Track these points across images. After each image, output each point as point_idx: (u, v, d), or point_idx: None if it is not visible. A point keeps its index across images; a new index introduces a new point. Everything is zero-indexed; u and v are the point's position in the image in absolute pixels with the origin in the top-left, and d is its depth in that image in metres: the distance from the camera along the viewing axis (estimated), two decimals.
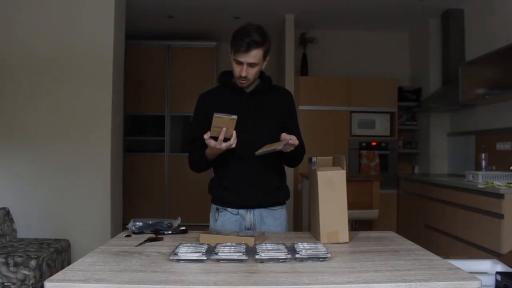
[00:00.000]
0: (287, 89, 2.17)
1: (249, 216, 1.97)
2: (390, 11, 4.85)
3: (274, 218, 2.01)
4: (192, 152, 2.01)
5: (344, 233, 1.64)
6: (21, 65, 3.65)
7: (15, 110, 3.64)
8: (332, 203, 1.64)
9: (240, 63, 1.84)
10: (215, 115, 1.68)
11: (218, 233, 1.72)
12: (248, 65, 1.84)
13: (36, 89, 3.65)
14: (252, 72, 1.87)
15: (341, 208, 1.64)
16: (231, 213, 1.99)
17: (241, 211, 1.98)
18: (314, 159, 1.79)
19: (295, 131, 2.00)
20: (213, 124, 1.71)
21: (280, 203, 2.05)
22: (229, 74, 2.02)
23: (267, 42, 1.86)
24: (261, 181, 1.96)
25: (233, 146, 1.76)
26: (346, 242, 1.64)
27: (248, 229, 1.97)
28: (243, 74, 1.85)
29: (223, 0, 4.58)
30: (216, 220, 2.02)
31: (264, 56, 1.88)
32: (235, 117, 1.69)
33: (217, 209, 2.03)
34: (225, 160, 1.92)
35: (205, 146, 1.97)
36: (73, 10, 3.70)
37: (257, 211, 1.98)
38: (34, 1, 3.67)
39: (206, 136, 1.74)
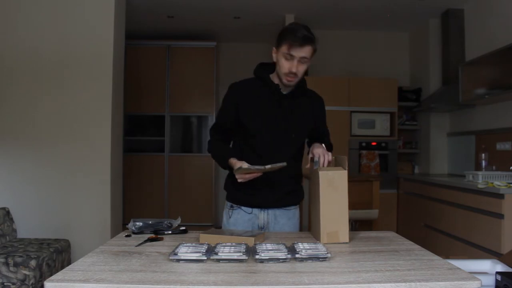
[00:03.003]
0: (319, 95, 2.09)
1: (263, 215, 1.96)
2: (390, 11, 4.85)
3: (288, 218, 2.00)
4: (215, 140, 2.00)
5: (344, 233, 1.64)
6: (21, 66, 3.65)
7: (15, 110, 3.64)
8: (333, 203, 1.64)
9: (292, 58, 1.78)
10: (244, 167, 1.72)
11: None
12: (300, 60, 1.79)
13: (36, 90, 3.65)
14: (301, 69, 1.82)
15: (342, 208, 1.64)
16: (244, 211, 1.98)
17: (255, 210, 1.97)
18: (316, 159, 1.78)
19: (325, 133, 2.06)
20: (240, 171, 1.76)
21: (294, 202, 2.04)
22: (267, 69, 1.95)
23: (316, 41, 1.83)
24: (276, 183, 1.92)
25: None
26: (346, 243, 1.64)
27: (261, 228, 1.96)
28: (294, 70, 1.79)
29: (223, 0, 4.58)
30: (230, 217, 2.00)
31: (312, 55, 1.83)
32: (262, 168, 1.72)
33: (231, 206, 2.01)
34: (243, 157, 1.87)
35: (224, 134, 1.97)
36: (73, 11, 3.70)
37: (271, 211, 1.97)
38: (34, 2, 3.67)
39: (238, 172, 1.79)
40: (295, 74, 1.80)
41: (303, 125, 1.95)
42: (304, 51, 1.78)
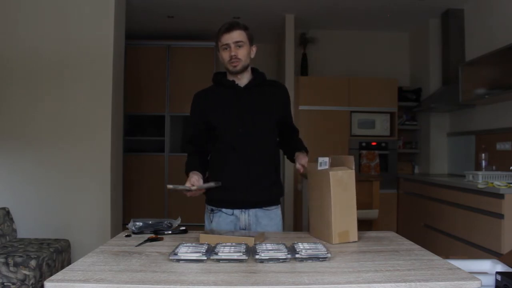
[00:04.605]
0: (282, 83, 2.20)
1: (244, 216, 1.96)
2: (390, 11, 4.85)
3: (270, 218, 2.00)
4: (188, 156, 2.03)
5: (354, 233, 1.65)
6: (21, 66, 3.65)
7: (15, 110, 3.64)
8: (343, 203, 1.64)
9: (228, 47, 1.91)
10: (169, 187, 1.74)
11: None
12: (235, 45, 1.90)
13: (36, 90, 3.65)
14: (241, 52, 1.92)
15: (351, 208, 1.65)
16: (225, 213, 1.98)
17: (236, 212, 1.97)
18: (321, 159, 1.77)
19: (290, 121, 2.14)
20: (172, 190, 1.77)
21: (275, 202, 2.04)
22: (222, 74, 2.06)
23: (248, 29, 1.96)
24: (256, 175, 1.94)
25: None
26: (355, 241, 1.65)
27: (243, 229, 1.96)
28: (233, 53, 1.90)
29: (223, 0, 4.58)
30: (211, 222, 2.01)
31: (250, 41, 1.95)
32: (188, 188, 1.76)
33: (212, 210, 2.02)
34: (220, 156, 1.93)
35: (200, 145, 2.00)
36: (73, 11, 3.70)
37: (252, 212, 1.97)
38: (34, 2, 3.67)
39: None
40: (236, 57, 1.91)
41: (270, 112, 1.99)
42: (235, 36, 1.90)
